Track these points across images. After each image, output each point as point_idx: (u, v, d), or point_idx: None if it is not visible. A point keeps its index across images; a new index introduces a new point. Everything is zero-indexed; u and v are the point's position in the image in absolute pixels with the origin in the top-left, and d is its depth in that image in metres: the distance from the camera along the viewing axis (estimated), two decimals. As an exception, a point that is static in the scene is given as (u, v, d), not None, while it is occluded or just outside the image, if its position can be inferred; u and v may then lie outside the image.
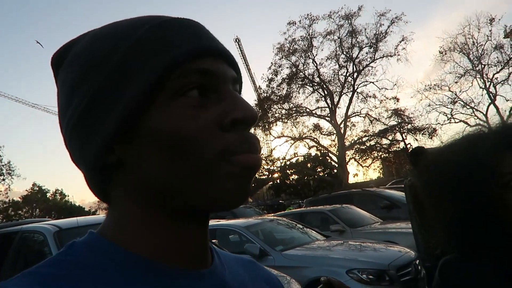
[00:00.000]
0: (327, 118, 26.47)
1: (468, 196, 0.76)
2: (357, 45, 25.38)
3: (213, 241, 4.33)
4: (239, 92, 0.46)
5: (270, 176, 28.92)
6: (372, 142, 25.31)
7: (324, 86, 25.96)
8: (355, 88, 25.73)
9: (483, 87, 24.75)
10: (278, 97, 26.25)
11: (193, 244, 0.43)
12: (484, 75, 24.67)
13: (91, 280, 0.36)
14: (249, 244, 4.75)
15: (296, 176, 28.70)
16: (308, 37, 25.62)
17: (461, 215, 0.78)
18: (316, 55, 26.09)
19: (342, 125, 25.77)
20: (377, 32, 24.81)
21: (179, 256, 0.41)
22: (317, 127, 26.71)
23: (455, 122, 25.47)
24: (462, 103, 25.46)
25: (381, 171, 32.74)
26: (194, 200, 0.39)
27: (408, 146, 22.24)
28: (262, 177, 27.97)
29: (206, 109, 0.39)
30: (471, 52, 24.84)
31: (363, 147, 25.33)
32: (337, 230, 6.47)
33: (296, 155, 28.07)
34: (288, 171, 28.29)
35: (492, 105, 24.53)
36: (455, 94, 25.49)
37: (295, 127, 26.85)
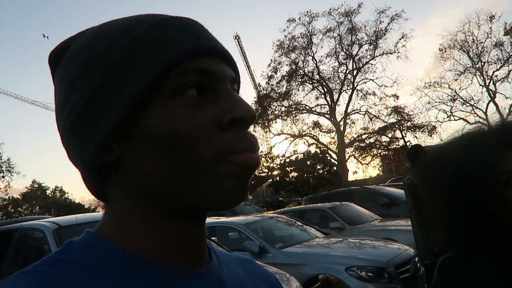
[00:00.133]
0: (327, 116, 26.47)
1: (468, 194, 0.76)
2: (357, 42, 25.37)
3: (212, 238, 4.33)
4: (237, 91, 0.46)
5: (269, 173, 28.96)
6: (372, 140, 25.34)
7: (324, 83, 25.94)
8: (355, 86, 25.76)
9: (483, 84, 24.78)
10: (277, 95, 26.23)
11: (191, 243, 0.43)
12: (484, 73, 24.69)
13: (88, 279, 0.36)
14: (249, 242, 4.76)
15: (295, 174, 28.72)
16: (308, 34, 25.60)
17: (461, 214, 0.77)
18: (315, 52, 26.10)
19: (341, 123, 25.78)
20: (377, 29, 24.81)
21: (177, 255, 0.41)
22: (316, 125, 26.73)
23: (454, 120, 25.53)
24: (461, 100, 25.50)
25: (380, 169, 32.75)
26: (193, 199, 0.39)
27: (408, 143, 22.27)
28: (261, 175, 28.00)
29: (204, 108, 0.39)
30: (471, 50, 24.85)
31: (363, 145, 25.34)
32: (336, 228, 6.48)
33: (296, 152, 28.13)
34: (287, 168, 28.32)
35: (491, 103, 24.57)
36: (455, 92, 25.51)
37: (295, 124, 26.90)
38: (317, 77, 25.97)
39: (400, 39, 24.67)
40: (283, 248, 4.73)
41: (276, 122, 27.03)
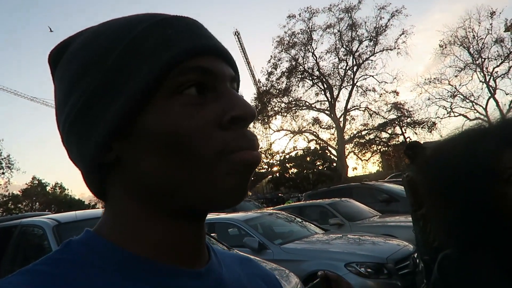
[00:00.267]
0: (327, 112, 26.45)
1: (469, 192, 0.75)
2: (357, 38, 25.30)
3: (212, 234, 4.34)
4: (237, 90, 0.45)
5: (269, 169, 28.96)
6: (372, 136, 25.33)
7: (324, 79, 25.90)
8: (355, 82, 25.70)
9: (483, 80, 24.73)
10: (277, 91, 26.20)
11: (191, 243, 0.43)
12: (484, 69, 24.64)
13: (88, 279, 0.36)
14: (248, 238, 4.77)
15: (295, 170, 28.78)
16: (308, 30, 25.52)
17: (461, 212, 0.77)
18: (315, 48, 26.09)
19: (341, 119, 25.76)
20: (377, 26, 24.74)
21: (177, 254, 0.41)
22: (316, 121, 26.72)
23: (454, 116, 25.50)
24: (461, 97, 25.47)
25: (380, 165, 32.79)
26: (193, 199, 0.39)
27: (408, 140, 22.27)
28: (261, 171, 28.00)
29: (204, 107, 0.39)
30: (471, 46, 24.79)
31: (363, 141, 25.35)
32: (336, 224, 6.49)
33: (296, 148, 28.12)
34: (287, 164, 28.36)
35: (492, 99, 24.54)
36: (455, 88, 25.48)
37: (295, 120, 26.87)
38: (317, 73, 25.94)
39: (400, 35, 24.59)
40: (282, 244, 4.74)
41: (275, 118, 27.03)
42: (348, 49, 25.51)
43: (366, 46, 25.45)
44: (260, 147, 0.43)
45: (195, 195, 0.39)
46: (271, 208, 9.74)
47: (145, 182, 0.39)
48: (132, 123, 0.38)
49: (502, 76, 24.18)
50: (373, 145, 25.46)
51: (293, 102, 26.39)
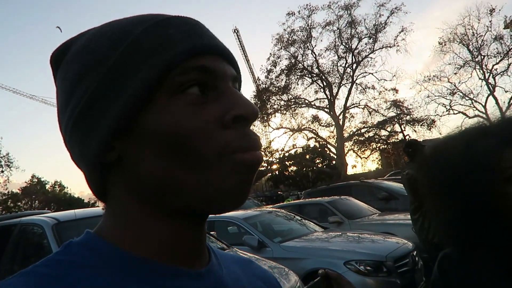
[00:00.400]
0: (326, 110, 26.41)
1: (469, 191, 0.75)
2: (357, 35, 25.23)
3: (211, 233, 4.35)
4: (238, 89, 0.45)
5: (269, 167, 29.00)
6: (371, 134, 25.31)
7: (323, 77, 25.85)
8: (354, 79, 25.64)
9: (482, 78, 24.72)
10: (276, 88, 26.15)
11: (191, 244, 0.43)
12: (484, 66, 24.63)
13: (88, 280, 0.36)
14: (248, 236, 4.78)
15: (294, 168, 28.81)
16: (307, 27, 25.45)
17: (461, 211, 0.77)
18: (315, 46, 25.92)
19: (340, 117, 25.73)
20: (376, 23, 24.65)
21: (178, 255, 0.41)
22: (315, 119, 26.68)
23: (453, 114, 25.51)
24: (461, 94, 25.44)
25: (379, 163, 32.84)
26: (193, 199, 0.39)
27: (407, 137, 22.26)
28: (261, 169, 27.82)
29: (206, 106, 0.39)
30: (470, 43, 24.75)
31: (362, 139, 25.33)
32: (335, 222, 6.50)
33: (295, 146, 28.09)
34: (286, 162, 28.39)
35: (491, 96, 24.52)
36: (454, 85, 25.45)
37: (294, 118, 26.81)
38: (316, 71, 25.88)
39: (399, 32, 24.56)
40: (282, 242, 4.74)
41: (275, 116, 26.97)
42: (347, 46, 25.47)
43: (366, 44, 25.41)
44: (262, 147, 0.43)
45: (195, 195, 0.38)
46: (271, 206, 9.75)
47: (146, 181, 0.39)
48: (134, 122, 0.38)
49: (501, 73, 24.15)
50: (373, 143, 25.45)
51: (293, 100, 26.34)
